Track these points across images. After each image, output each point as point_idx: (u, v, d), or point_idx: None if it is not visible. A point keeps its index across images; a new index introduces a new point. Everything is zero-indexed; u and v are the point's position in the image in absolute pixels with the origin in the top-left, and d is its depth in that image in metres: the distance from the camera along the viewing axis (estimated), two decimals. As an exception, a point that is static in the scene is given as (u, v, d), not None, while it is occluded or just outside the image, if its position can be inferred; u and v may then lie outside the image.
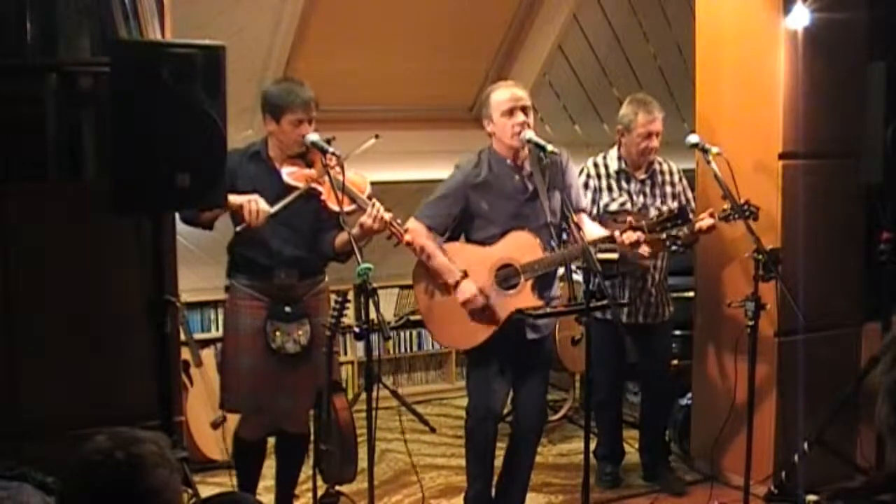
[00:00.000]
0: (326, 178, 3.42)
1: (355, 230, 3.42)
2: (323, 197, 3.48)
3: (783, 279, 3.78)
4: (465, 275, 3.62)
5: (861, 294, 4.37)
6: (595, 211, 4.18)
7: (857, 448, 4.29)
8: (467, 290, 3.61)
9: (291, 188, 3.47)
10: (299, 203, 3.46)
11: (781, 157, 4.14)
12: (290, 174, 3.50)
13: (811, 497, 3.64)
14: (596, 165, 4.27)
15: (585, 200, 4.11)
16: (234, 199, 3.32)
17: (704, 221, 3.95)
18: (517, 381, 3.85)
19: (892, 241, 3.99)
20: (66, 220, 3.12)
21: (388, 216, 3.43)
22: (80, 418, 2.89)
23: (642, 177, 4.24)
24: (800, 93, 4.10)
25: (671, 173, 4.31)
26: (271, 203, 3.42)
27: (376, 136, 3.52)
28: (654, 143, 4.17)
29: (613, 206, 4.18)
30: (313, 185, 3.47)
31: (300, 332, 3.56)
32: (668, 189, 4.28)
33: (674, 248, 4.09)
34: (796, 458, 3.95)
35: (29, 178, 3.07)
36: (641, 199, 4.21)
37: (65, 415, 3.02)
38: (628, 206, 4.16)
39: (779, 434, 4.15)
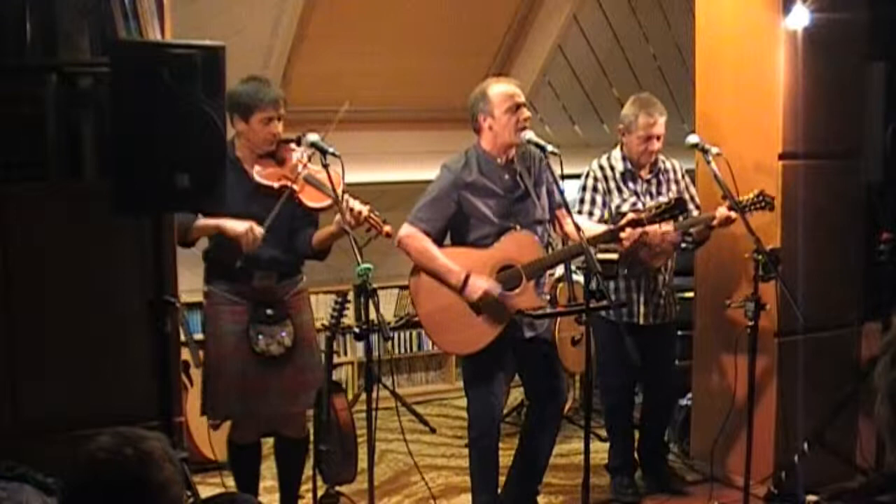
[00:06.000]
0: (300, 175, 3.42)
1: (334, 227, 3.42)
2: (299, 194, 3.48)
3: (783, 279, 3.78)
4: (468, 273, 3.58)
5: (861, 294, 4.36)
6: (605, 214, 4.12)
7: (857, 448, 4.29)
8: (480, 283, 3.56)
9: (264, 187, 3.47)
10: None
11: (781, 157, 4.13)
12: (261, 174, 3.50)
13: (811, 497, 3.64)
14: (602, 168, 4.19)
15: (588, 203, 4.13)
16: (232, 227, 3.36)
17: (720, 212, 3.92)
18: (525, 376, 3.84)
19: (892, 241, 3.99)
20: (66, 220, 3.11)
21: (364, 210, 3.42)
22: (80, 418, 2.90)
23: (647, 176, 4.18)
24: (800, 93, 4.10)
25: (674, 171, 4.26)
26: (244, 205, 3.43)
27: (349, 103, 3.50)
28: (655, 146, 4.11)
29: (625, 207, 4.08)
30: (291, 185, 3.46)
31: (283, 334, 3.56)
32: (674, 186, 4.23)
33: (684, 245, 4.08)
34: (796, 458, 3.94)
35: (29, 178, 3.07)
36: (648, 198, 4.14)
37: (65, 415, 3.02)
38: (639, 206, 4.06)
39: (779, 434, 4.14)
